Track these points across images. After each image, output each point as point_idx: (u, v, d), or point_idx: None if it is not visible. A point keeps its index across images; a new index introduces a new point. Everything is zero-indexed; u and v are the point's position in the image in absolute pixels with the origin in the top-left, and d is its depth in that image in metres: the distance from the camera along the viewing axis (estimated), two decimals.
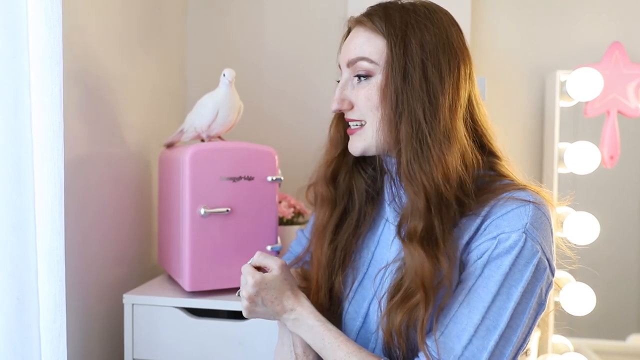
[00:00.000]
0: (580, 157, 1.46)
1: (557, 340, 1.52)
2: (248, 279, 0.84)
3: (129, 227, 1.37)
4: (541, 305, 0.75)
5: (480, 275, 0.74)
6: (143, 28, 1.44)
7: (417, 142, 0.77)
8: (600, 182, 1.59)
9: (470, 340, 0.71)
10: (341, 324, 0.90)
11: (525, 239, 0.72)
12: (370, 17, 0.82)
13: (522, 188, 0.78)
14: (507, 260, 0.72)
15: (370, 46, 0.81)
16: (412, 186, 0.77)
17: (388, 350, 0.80)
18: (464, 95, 0.81)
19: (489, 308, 0.72)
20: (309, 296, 0.90)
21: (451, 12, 0.86)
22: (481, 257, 0.75)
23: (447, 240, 0.76)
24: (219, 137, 1.29)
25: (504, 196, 0.77)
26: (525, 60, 1.65)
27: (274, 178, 1.18)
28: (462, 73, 0.81)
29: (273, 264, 0.86)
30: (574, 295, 1.42)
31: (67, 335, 0.90)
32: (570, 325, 1.51)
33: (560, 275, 1.51)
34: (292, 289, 0.86)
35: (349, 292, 0.89)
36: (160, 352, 1.15)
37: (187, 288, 1.14)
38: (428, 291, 0.74)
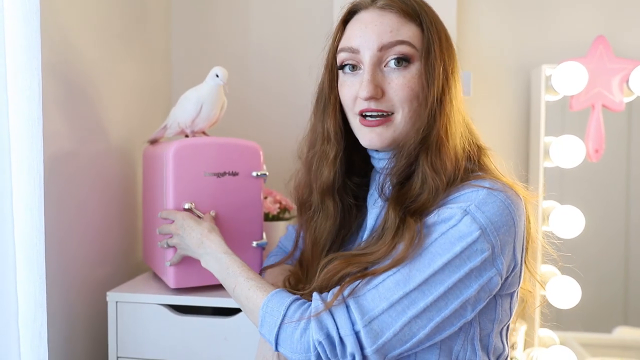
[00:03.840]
0: (565, 151, 1.47)
1: (544, 333, 1.53)
2: (174, 216, 1.03)
3: (113, 224, 1.36)
4: (468, 289, 0.71)
5: (430, 234, 0.74)
6: (126, 22, 1.42)
7: (444, 133, 0.78)
8: (586, 175, 1.59)
9: (386, 301, 0.71)
10: None
11: (464, 215, 0.71)
12: (404, 3, 0.80)
13: (487, 177, 0.77)
14: (439, 229, 0.72)
15: (407, 30, 0.78)
16: (435, 173, 0.77)
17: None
18: (460, 88, 0.82)
19: (409, 270, 0.71)
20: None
21: (436, 7, 0.85)
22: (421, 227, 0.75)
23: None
24: (203, 133, 1.27)
25: (464, 184, 0.76)
26: (511, 54, 1.66)
27: (259, 173, 1.17)
28: (457, 68, 0.83)
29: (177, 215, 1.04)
30: (560, 289, 1.42)
31: (49, 334, 0.89)
32: (556, 319, 1.51)
33: (546, 269, 1.52)
34: (209, 229, 0.97)
35: None
36: (145, 349, 1.14)
37: (172, 285, 1.13)
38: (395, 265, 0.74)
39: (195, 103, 1.20)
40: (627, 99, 1.50)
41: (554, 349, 1.45)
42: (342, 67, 0.83)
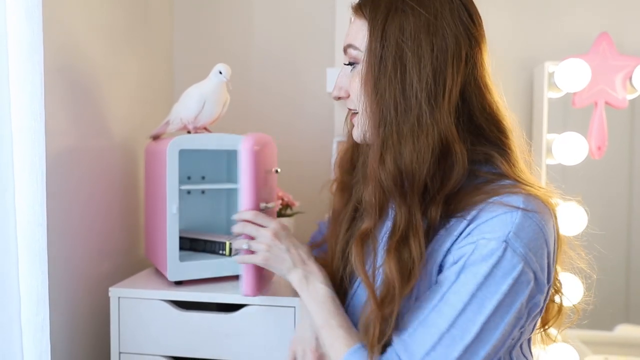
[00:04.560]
0: (568, 148, 1.46)
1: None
2: (271, 224, 0.90)
3: (115, 219, 1.36)
4: (518, 320, 0.70)
5: (455, 281, 0.70)
6: (129, 19, 1.42)
7: (384, 134, 0.73)
8: (587, 172, 1.59)
9: (433, 347, 0.69)
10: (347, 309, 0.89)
11: (505, 249, 0.68)
12: (361, 4, 0.79)
13: (518, 192, 0.72)
14: (483, 268, 0.68)
15: (359, 32, 0.78)
16: (368, 183, 0.76)
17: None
18: (454, 81, 0.73)
19: (457, 317, 0.68)
20: None
21: None
22: (458, 261, 0.71)
23: (415, 242, 0.73)
24: (205, 129, 1.27)
25: (494, 200, 0.71)
26: (514, 51, 1.65)
27: (277, 169, 1.15)
28: (454, 55, 0.73)
29: (273, 222, 0.92)
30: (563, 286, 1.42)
31: (52, 330, 0.89)
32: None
33: None
34: (309, 252, 0.90)
35: (355, 282, 0.88)
36: (147, 345, 1.14)
37: (171, 277, 1.14)
38: (395, 296, 0.72)
39: (199, 99, 1.20)
40: (630, 96, 1.50)
41: (555, 347, 1.45)
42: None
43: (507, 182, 0.75)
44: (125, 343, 1.14)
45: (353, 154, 0.92)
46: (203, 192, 1.38)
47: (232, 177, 1.34)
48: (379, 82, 0.74)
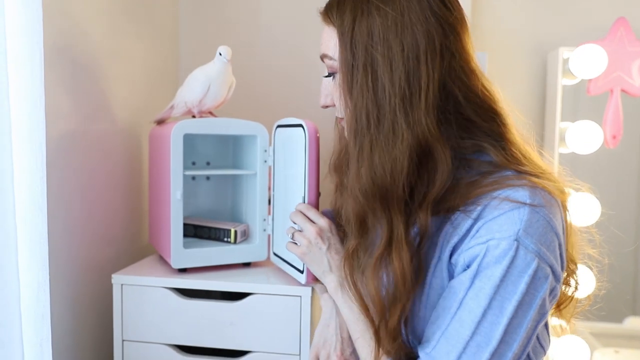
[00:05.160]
0: (582, 137, 1.43)
1: (555, 322, 1.50)
2: (319, 221, 0.89)
3: (119, 205, 1.34)
4: (543, 315, 0.69)
5: (470, 286, 0.68)
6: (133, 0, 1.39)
7: (360, 144, 0.71)
8: (598, 161, 1.55)
9: (459, 358, 0.67)
10: None
11: (517, 248, 0.66)
12: (327, 9, 0.76)
13: (522, 185, 0.69)
14: (498, 270, 0.66)
15: (330, 41, 0.76)
16: (347, 197, 0.74)
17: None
18: (430, 77, 0.69)
19: (479, 323, 0.67)
20: None
21: None
22: (470, 264, 0.69)
23: (397, 257, 0.71)
24: (210, 113, 1.24)
25: (497, 195, 0.69)
26: (527, 36, 1.61)
27: None
28: (427, 51, 0.69)
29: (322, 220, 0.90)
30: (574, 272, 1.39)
31: (54, 316, 0.88)
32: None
33: None
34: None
35: None
36: (151, 333, 1.12)
37: (174, 265, 1.12)
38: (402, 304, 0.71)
39: (203, 83, 1.17)
40: None
41: (565, 339, 1.43)
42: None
43: (509, 172, 0.73)
44: (128, 331, 1.13)
45: (343, 158, 0.90)
46: (208, 178, 1.36)
47: (237, 163, 1.31)
48: (353, 91, 0.72)
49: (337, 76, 0.75)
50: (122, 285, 1.13)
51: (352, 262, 0.78)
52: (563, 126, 1.48)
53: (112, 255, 1.31)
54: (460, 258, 0.70)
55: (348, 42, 0.71)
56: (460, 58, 0.72)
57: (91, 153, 1.21)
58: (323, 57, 0.77)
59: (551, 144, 1.50)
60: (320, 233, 0.89)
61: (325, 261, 0.87)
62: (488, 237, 0.68)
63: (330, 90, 0.79)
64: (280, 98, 1.66)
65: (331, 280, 0.87)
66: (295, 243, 0.92)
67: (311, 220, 0.91)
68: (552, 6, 1.60)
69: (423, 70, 0.69)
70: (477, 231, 0.69)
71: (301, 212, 0.93)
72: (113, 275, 1.14)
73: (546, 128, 1.56)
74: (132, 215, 1.41)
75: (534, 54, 1.61)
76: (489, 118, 0.75)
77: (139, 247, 1.44)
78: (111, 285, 1.14)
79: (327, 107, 0.81)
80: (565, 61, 1.46)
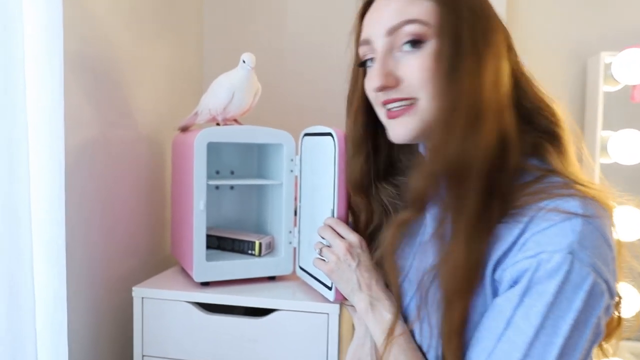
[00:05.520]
0: (625, 147, 1.35)
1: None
2: (349, 237, 0.84)
3: (140, 215, 1.30)
4: (597, 335, 0.63)
5: (519, 304, 0.62)
6: (157, 5, 1.36)
7: (466, 118, 0.66)
8: (636, 173, 1.47)
9: None
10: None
11: (572, 261, 0.60)
12: None
13: (573, 194, 0.64)
14: (551, 286, 0.60)
15: (415, 7, 0.69)
16: (417, 172, 0.68)
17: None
18: (506, 67, 0.70)
19: (531, 344, 0.61)
20: None
21: None
22: (519, 280, 0.63)
23: (483, 242, 0.66)
24: (235, 121, 1.20)
25: (547, 205, 0.64)
26: (565, 40, 1.53)
27: None
28: (504, 41, 0.71)
29: (352, 235, 0.84)
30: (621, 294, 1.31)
31: (71, 331, 0.84)
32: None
33: None
34: (378, 279, 0.82)
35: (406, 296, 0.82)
36: (171, 348, 1.08)
37: (196, 278, 1.08)
38: (453, 302, 0.65)
39: (227, 90, 1.13)
40: None
41: None
42: (364, 62, 0.76)
43: (557, 179, 0.67)
44: (149, 345, 1.09)
45: (365, 174, 0.82)
46: (232, 187, 1.31)
47: (262, 172, 1.27)
48: (460, 62, 0.66)
49: (432, 45, 0.68)
50: (142, 298, 1.09)
51: (399, 234, 0.74)
52: (605, 135, 1.40)
53: (133, 266, 1.28)
54: (506, 274, 0.64)
55: (454, 10, 0.68)
56: (518, 58, 0.72)
57: (113, 161, 1.18)
58: (404, 23, 0.69)
59: (592, 153, 1.42)
60: (350, 249, 0.84)
61: (355, 279, 0.82)
62: (538, 250, 0.62)
63: (392, 68, 0.71)
64: (308, 105, 1.61)
65: (361, 299, 0.81)
66: (323, 259, 0.87)
67: (340, 236, 0.86)
68: (593, 8, 1.52)
69: (505, 57, 0.69)
70: (524, 244, 0.64)
71: (330, 226, 0.88)
72: (134, 288, 1.10)
73: (586, 137, 1.49)
74: (154, 225, 1.37)
75: (572, 59, 1.53)
76: (549, 115, 0.71)
77: (160, 257, 1.41)
78: (131, 298, 1.10)
79: (384, 89, 0.71)
80: (607, 66, 1.39)
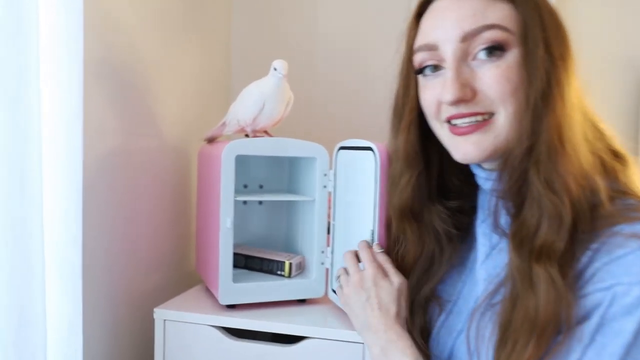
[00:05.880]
0: None
1: None
2: (368, 268, 0.76)
3: (163, 230, 1.24)
4: None
5: (590, 344, 0.54)
6: (184, 9, 1.30)
7: (558, 134, 0.59)
8: None
9: None
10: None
11: None
12: None
13: None
14: (629, 324, 0.53)
15: (495, 11, 0.62)
16: (552, 193, 0.59)
17: None
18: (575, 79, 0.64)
19: None
20: None
21: None
22: (590, 315, 0.55)
23: (572, 269, 0.57)
24: (265, 132, 1.13)
25: (620, 230, 0.57)
26: (619, 46, 1.44)
27: None
28: (573, 54, 0.64)
29: (394, 274, 0.75)
30: None
31: (89, 355, 0.78)
32: None
33: None
34: (399, 310, 0.73)
35: (434, 327, 0.73)
36: None
37: (222, 301, 1.01)
38: (541, 337, 0.56)
39: (257, 99, 1.07)
40: None
41: None
42: (422, 70, 0.67)
43: (630, 201, 0.60)
44: None
45: (416, 195, 0.73)
46: (260, 202, 1.24)
47: (293, 187, 1.20)
48: (549, 74, 0.59)
49: (515, 54, 0.62)
50: (164, 320, 1.02)
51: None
52: None
53: (156, 284, 1.21)
54: (577, 305, 0.57)
55: (538, 17, 0.62)
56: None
57: (135, 172, 1.12)
58: (484, 29, 0.62)
59: None
60: (361, 281, 0.75)
61: (361, 316, 0.74)
62: (612, 282, 0.55)
63: (468, 78, 0.63)
64: (342, 116, 1.53)
65: (372, 342, 0.72)
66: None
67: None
68: None
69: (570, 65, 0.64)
70: (595, 274, 0.56)
71: (355, 252, 0.80)
72: (155, 310, 1.03)
73: None
74: (178, 241, 1.31)
75: (626, 66, 1.43)
76: (605, 138, 0.66)
77: (184, 274, 1.34)
78: (153, 320, 1.03)
79: (460, 102, 0.63)
80: None
